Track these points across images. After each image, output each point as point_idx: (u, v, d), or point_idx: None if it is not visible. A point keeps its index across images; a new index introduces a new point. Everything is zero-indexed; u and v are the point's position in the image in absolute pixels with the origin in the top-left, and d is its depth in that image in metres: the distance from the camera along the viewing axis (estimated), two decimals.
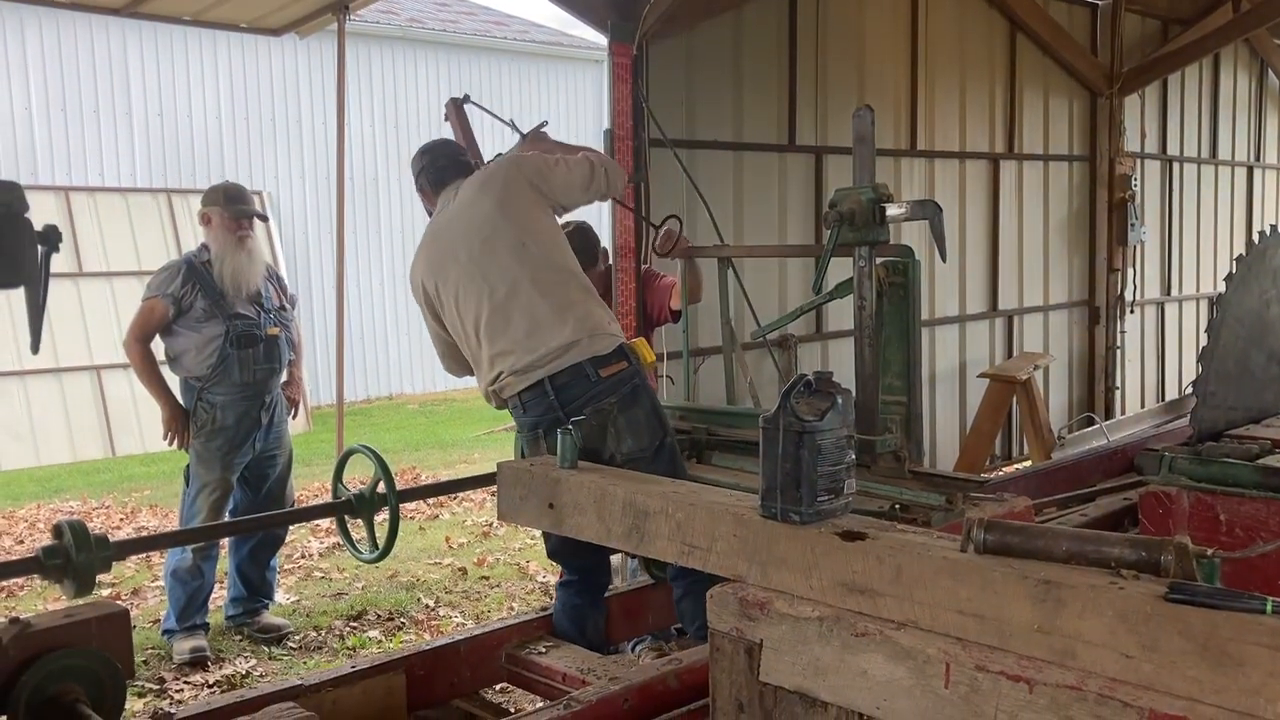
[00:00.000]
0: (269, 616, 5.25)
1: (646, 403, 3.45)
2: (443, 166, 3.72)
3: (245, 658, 4.95)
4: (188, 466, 5.02)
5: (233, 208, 5.00)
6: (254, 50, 12.67)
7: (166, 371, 5.05)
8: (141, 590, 5.98)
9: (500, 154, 3.84)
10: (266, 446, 5.13)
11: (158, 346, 5.00)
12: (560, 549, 3.61)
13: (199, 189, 12.17)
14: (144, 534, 6.95)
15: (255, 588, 5.21)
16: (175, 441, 4.99)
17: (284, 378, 5.22)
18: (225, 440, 4.95)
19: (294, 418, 5.42)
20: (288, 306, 5.30)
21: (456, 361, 3.76)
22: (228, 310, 4.92)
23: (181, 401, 4.98)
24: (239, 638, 5.14)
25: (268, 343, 5.02)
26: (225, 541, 5.34)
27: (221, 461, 4.95)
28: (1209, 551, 1.90)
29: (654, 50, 5.45)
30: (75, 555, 2.69)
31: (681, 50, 5.73)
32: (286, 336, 5.17)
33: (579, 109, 15.91)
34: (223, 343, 4.89)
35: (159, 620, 5.25)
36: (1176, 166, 9.59)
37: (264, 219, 5.27)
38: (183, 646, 4.87)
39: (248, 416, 4.99)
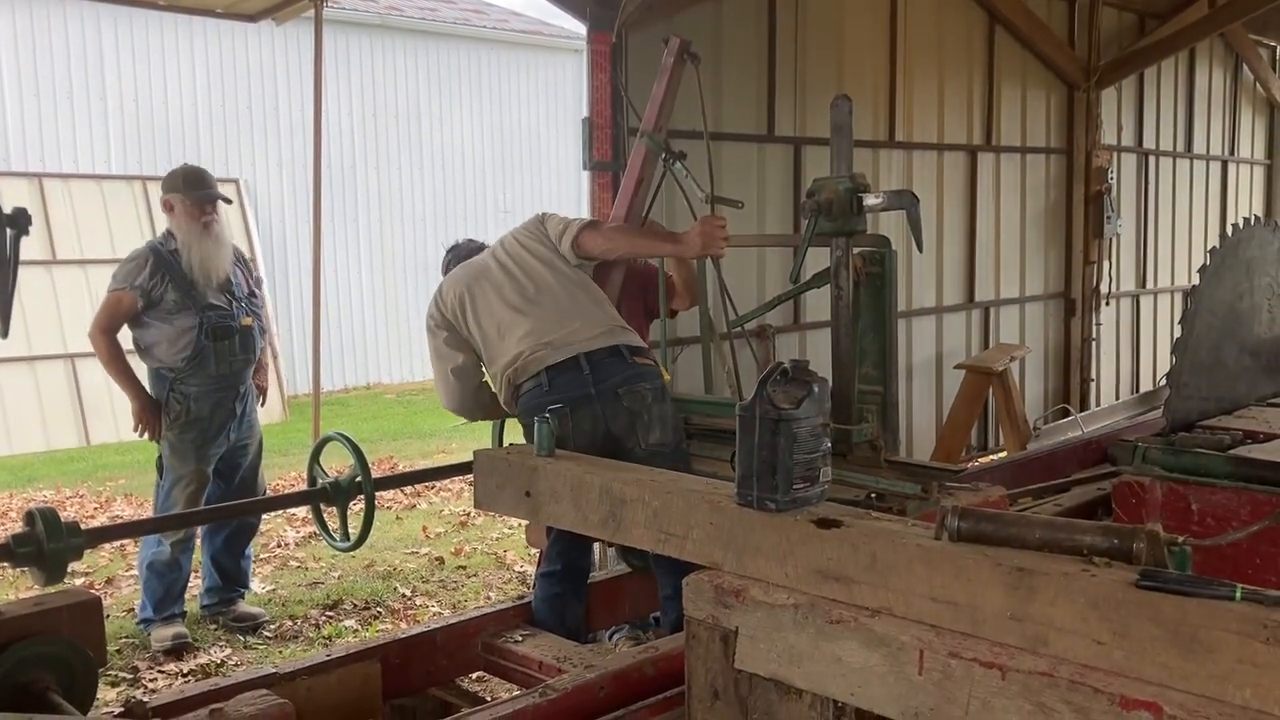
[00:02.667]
0: (244, 605, 5.22)
1: (671, 402, 3.56)
2: (468, 250, 4.02)
3: (220, 647, 4.92)
4: (160, 457, 4.95)
5: (194, 193, 4.85)
6: (230, 37, 12.56)
7: (134, 360, 4.95)
8: (115, 579, 5.94)
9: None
10: (240, 436, 5.07)
11: (125, 336, 4.90)
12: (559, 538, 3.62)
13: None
14: (117, 522, 6.90)
15: (230, 577, 5.17)
16: (147, 434, 4.90)
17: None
18: (200, 432, 4.88)
19: (263, 405, 5.34)
20: (257, 292, 5.20)
21: (463, 392, 3.74)
22: (200, 301, 4.82)
23: (151, 391, 4.89)
24: (214, 627, 5.11)
25: (243, 334, 4.94)
26: (199, 531, 5.30)
27: (196, 453, 4.89)
28: (1180, 539, 1.92)
29: (633, 39, 5.43)
30: (47, 543, 2.67)
31: (660, 39, 5.72)
32: (258, 325, 5.09)
33: (558, 98, 15.86)
34: (198, 335, 4.80)
35: (133, 609, 5.22)
36: (1152, 160, 9.65)
37: (228, 201, 5.09)
38: (163, 634, 4.83)
39: (222, 407, 4.93)
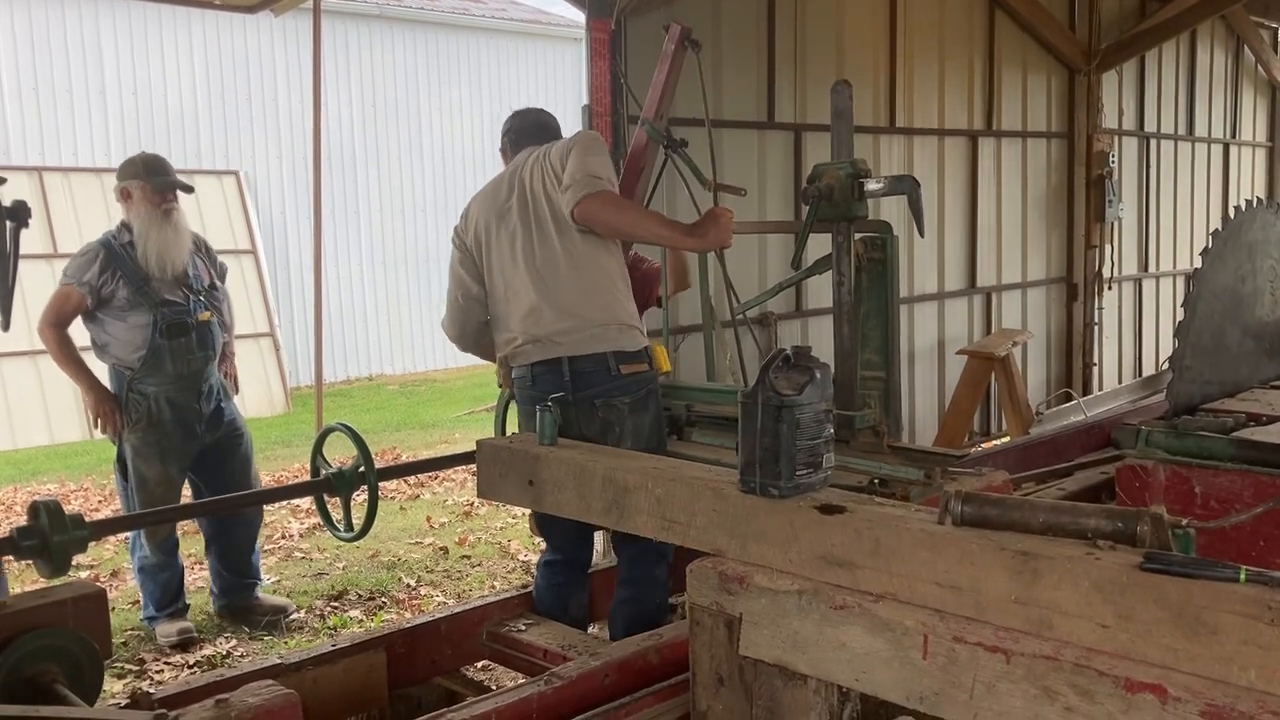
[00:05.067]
0: (268, 597, 5.12)
1: (654, 409, 3.48)
2: (525, 129, 3.74)
3: (226, 638, 4.93)
4: (118, 458, 4.75)
5: (155, 180, 4.67)
6: (229, 28, 12.55)
7: (91, 359, 4.77)
8: (120, 572, 5.94)
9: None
10: (219, 436, 4.90)
11: (82, 333, 4.73)
12: (546, 523, 3.59)
13: (175, 169, 12.09)
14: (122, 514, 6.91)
15: (241, 571, 5.07)
16: (107, 429, 4.71)
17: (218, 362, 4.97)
18: (162, 433, 4.70)
19: (236, 394, 5.12)
20: (219, 284, 4.99)
21: (466, 323, 3.64)
22: (154, 297, 4.63)
23: (111, 389, 4.71)
24: (228, 623, 5.06)
25: (200, 330, 4.74)
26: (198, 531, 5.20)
27: (161, 456, 4.71)
28: (1184, 522, 1.92)
29: (632, 26, 5.42)
30: (51, 536, 2.68)
31: (660, 26, 5.71)
32: (219, 319, 4.91)
33: (557, 87, 15.83)
34: (152, 332, 4.62)
35: (138, 602, 5.22)
36: (1154, 143, 9.62)
37: (189, 190, 4.87)
38: (169, 629, 4.80)
39: (185, 407, 4.74)
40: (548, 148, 3.54)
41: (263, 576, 5.33)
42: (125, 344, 4.66)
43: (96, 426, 4.77)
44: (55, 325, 4.65)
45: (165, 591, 4.86)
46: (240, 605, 5.08)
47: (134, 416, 4.69)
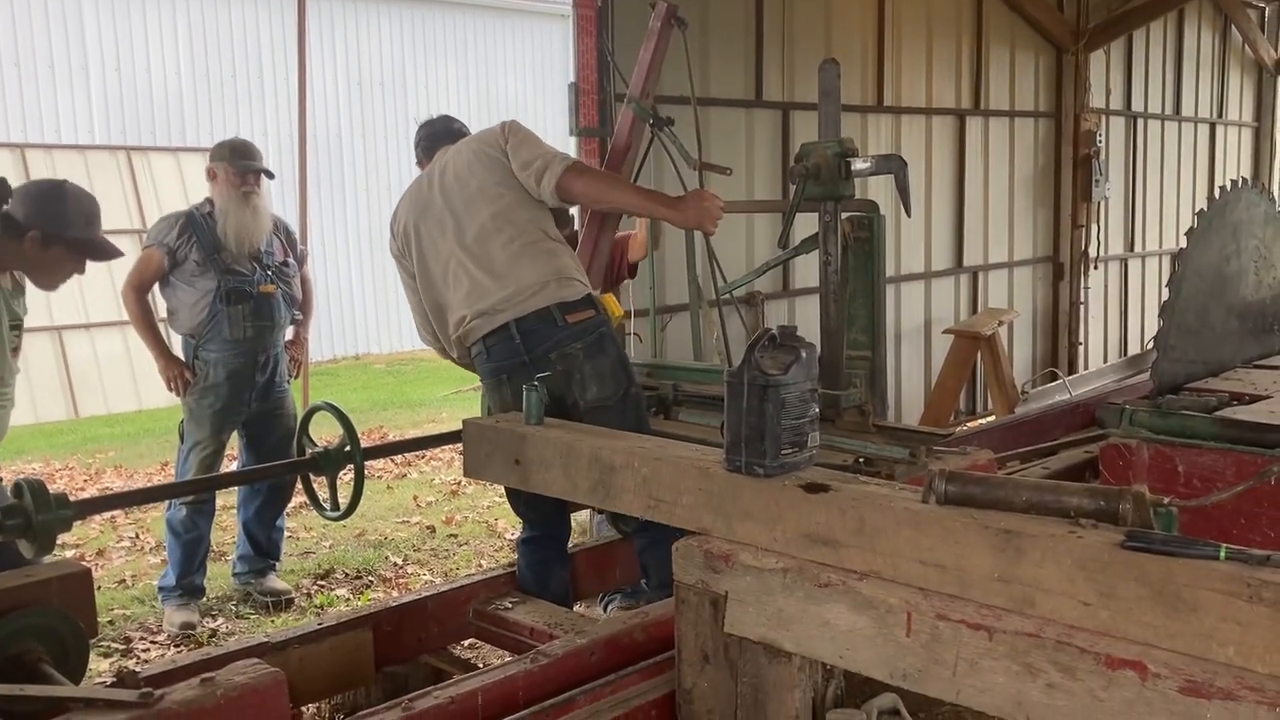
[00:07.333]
0: (274, 580, 5.16)
1: (613, 351, 3.46)
2: (435, 133, 3.83)
3: (212, 617, 4.93)
4: (182, 422, 4.94)
5: (239, 163, 4.92)
6: (213, 4, 12.44)
7: (166, 330, 5.01)
8: (106, 551, 5.94)
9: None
10: (267, 406, 5.02)
11: (158, 304, 4.93)
12: (521, 500, 3.59)
13: (159, 147, 12.00)
14: (107, 493, 6.88)
15: (261, 548, 5.13)
16: (177, 389, 4.90)
17: (288, 336, 5.14)
18: (216, 398, 4.86)
19: (295, 377, 5.29)
20: (291, 262, 5.17)
21: (430, 329, 3.74)
22: (222, 265, 4.83)
23: (182, 359, 4.92)
24: (235, 603, 5.06)
25: (259, 299, 4.90)
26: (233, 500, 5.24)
27: (212, 420, 4.87)
28: (1166, 500, 1.93)
29: (619, 4, 5.38)
30: (35, 515, 2.66)
31: (648, 3, 5.67)
32: (285, 293, 5.05)
33: (544, 65, 15.75)
34: (214, 297, 4.81)
35: (124, 581, 5.22)
36: (1141, 123, 9.63)
37: (270, 175, 5.15)
38: (174, 619, 4.79)
39: (240, 374, 4.89)
40: (464, 140, 3.64)
41: (282, 559, 5.33)
42: (191, 308, 4.85)
43: (169, 389, 4.96)
44: (137, 289, 4.87)
45: (188, 559, 4.85)
46: (250, 580, 5.13)
47: (195, 381, 4.88)
